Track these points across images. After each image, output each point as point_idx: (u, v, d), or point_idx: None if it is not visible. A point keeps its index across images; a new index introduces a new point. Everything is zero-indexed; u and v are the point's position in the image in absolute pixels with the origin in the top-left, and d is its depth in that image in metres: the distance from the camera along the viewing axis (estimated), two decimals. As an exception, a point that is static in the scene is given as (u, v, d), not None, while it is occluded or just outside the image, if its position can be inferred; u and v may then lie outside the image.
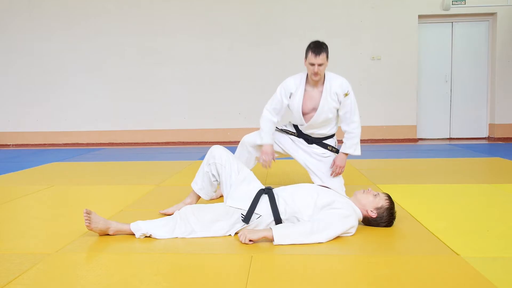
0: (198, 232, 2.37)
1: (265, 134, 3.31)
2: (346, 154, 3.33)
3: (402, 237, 2.42)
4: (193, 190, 2.89)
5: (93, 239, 2.39)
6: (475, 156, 5.76)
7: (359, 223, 2.49)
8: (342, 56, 7.64)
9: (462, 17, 7.77)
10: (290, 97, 3.30)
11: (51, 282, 1.86)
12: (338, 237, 2.32)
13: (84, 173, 4.82)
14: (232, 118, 7.96)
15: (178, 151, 7.10)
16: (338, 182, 3.33)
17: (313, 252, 2.15)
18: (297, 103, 3.27)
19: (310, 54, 3.12)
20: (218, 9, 7.86)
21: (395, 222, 2.55)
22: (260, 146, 3.38)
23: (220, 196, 3.29)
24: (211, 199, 3.00)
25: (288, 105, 3.34)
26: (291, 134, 3.46)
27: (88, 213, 2.35)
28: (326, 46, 3.17)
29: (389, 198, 2.53)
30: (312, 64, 3.10)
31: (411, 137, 7.83)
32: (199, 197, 2.91)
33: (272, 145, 3.32)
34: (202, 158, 2.90)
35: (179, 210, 2.49)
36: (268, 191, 2.47)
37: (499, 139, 7.73)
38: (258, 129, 3.40)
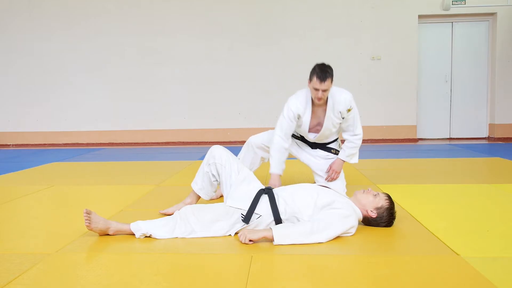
0: (198, 232, 2.37)
1: (275, 164, 3.24)
2: (344, 161, 3.38)
3: (402, 237, 2.42)
4: (193, 190, 2.89)
5: (93, 239, 2.39)
6: (475, 156, 5.76)
7: (359, 223, 2.49)
8: (342, 56, 7.65)
9: (462, 17, 7.77)
10: (298, 118, 3.29)
11: (51, 282, 1.86)
12: (338, 237, 2.32)
13: (84, 173, 4.82)
14: (232, 118, 7.96)
15: (178, 151, 7.10)
16: (340, 183, 3.37)
17: (313, 252, 2.15)
18: (304, 123, 3.29)
19: (315, 79, 3.05)
20: (218, 9, 7.86)
21: (395, 222, 2.55)
22: (266, 147, 3.42)
23: (220, 196, 3.29)
24: (211, 199, 3.00)
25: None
26: (295, 138, 3.48)
27: (88, 213, 2.35)
28: (332, 70, 3.08)
29: (389, 198, 2.53)
30: (317, 90, 3.07)
31: (411, 137, 7.83)
32: (199, 197, 2.91)
33: (280, 175, 3.28)
34: (202, 158, 2.90)
35: (179, 210, 2.49)
36: (268, 191, 2.47)
37: (499, 139, 7.73)
38: (262, 129, 3.39)
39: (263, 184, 2.70)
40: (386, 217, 2.49)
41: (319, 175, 3.42)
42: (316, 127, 3.32)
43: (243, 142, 3.83)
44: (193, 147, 7.57)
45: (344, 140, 3.42)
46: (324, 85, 3.04)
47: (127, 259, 2.10)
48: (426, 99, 7.98)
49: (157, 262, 2.04)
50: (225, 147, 2.80)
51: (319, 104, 3.20)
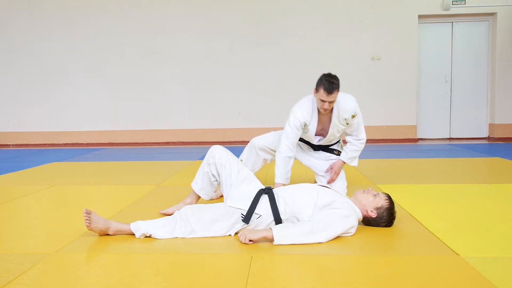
0: (198, 232, 2.37)
1: (281, 173, 3.25)
2: (344, 162, 3.39)
3: (402, 237, 2.42)
4: (193, 190, 2.89)
5: (93, 239, 2.39)
6: (475, 156, 5.76)
7: (359, 223, 2.49)
8: (342, 56, 7.65)
9: (462, 17, 7.77)
10: (304, 126, 3.29)
11: (51, 282, 1.86)
12: (338, 237, 2.32)
13: (84, 173, 4.82)
14: (232, 118, 7.96)
15: (178, 151, 7.10)
16: (341, 184, 3.39)
17: (313, 252, 2.15)
18: (310, 131, 3.30)
19: (322, 91, 3.03)
20: (218, 9, 7.86)
21: (395, 222, 2.55)
22: (269, 149, 3.46)
23: (220, 196, 3.29)
24: (211, 199, 3.00)
25: None
26: (298, 140, 3.49)
27: (88, 213, 2.35)
28: (338, 81, 3.05)
29: (389, 198, 2.53)
30: (323, 101, 3.07)
31: (411, 137, 7.83)
32: (199, 197, 2.91)
33: (284, 185, 3.29)
34: (202, 158, 2.90)
35: (179, 210, 2.49)
36: (268, 191, 2.47)
37: (499, 139, 7.73)
38: (262, 129, 3.39)
39: (263, 184, 2.70)
40: (386, 217, 2.49)
41: (321, 175, 3.44)
42: (321, 131, 3.34)
43: (243, 142, 3.84)
44: (193, 147, 7.57)
45: (345, 140, 3.43)
46: (331, 97, 3.04)
47: (127, 259, 2.10)
48: (426, 99, 7.98)
49: (157, 262, 2.04)
50: (225, 147, 2.80)
51: (325, 113, 3.21)
